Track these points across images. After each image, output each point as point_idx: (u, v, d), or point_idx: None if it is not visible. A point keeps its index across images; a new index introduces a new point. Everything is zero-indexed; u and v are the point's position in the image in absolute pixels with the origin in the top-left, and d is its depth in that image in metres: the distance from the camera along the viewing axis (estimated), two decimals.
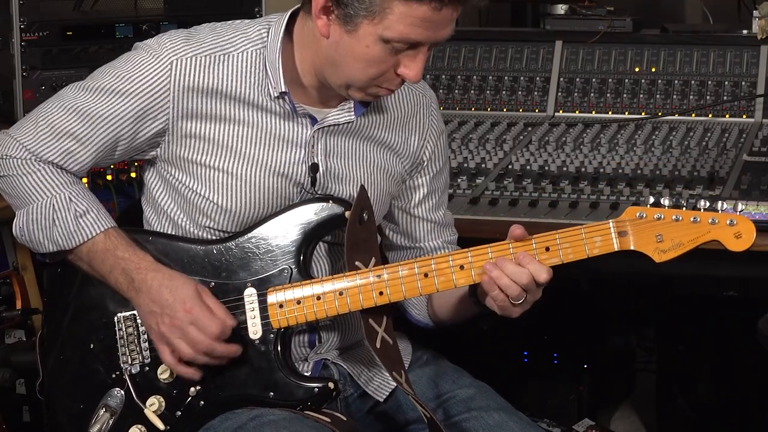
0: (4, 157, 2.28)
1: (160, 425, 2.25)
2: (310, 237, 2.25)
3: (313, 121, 2.28)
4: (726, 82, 3.41)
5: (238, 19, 2.34)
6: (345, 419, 2.26)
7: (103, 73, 2.28)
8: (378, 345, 2.23)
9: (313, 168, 2.28)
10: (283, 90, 2.24)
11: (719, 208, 2.15)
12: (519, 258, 2.17)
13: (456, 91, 3.55)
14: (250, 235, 2.26)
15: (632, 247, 2.18)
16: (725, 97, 3.39)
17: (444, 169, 2.48)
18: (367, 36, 2.11)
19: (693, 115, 3.39)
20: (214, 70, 2.24)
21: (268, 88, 2.26)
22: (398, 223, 2.46)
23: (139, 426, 2.26)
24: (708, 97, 3.40)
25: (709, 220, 2.15)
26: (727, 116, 3.37)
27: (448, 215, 2.53)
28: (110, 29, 3.17)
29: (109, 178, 3.04)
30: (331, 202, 2.26)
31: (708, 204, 2.15)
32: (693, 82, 3.43)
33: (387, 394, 2.38)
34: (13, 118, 2.92)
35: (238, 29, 2.29)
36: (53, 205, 2.26)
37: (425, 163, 2.43)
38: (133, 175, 3.07)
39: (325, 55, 2.18)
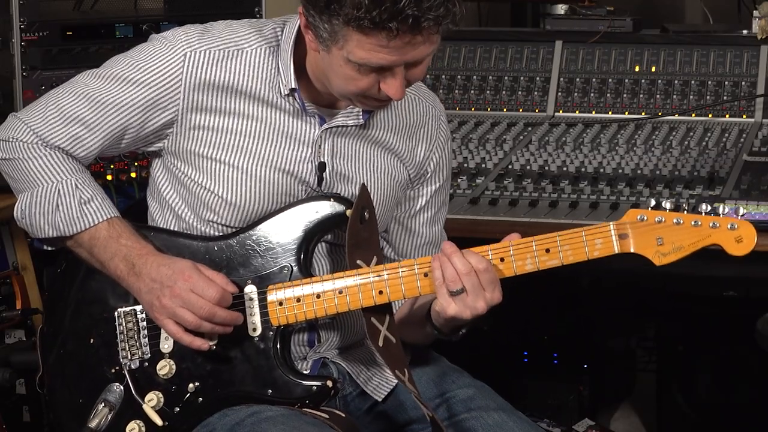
0: (11, 140, 2.28)
1: (159, 421, 2.25)
2: (311, 235, 2.25)
3: (322, 120, 2.29)
4: (726, 82, 3.41)
5: (252, 18, 2.36)
6: (343, 415, 2.26)
7: (116, 61, 2.30)
8: (380, 343, 2.24)
9: (321, 167, 2.29)
10: (293, 86, 2.25)
11: (720, 212, 2.15)
12: (466, 252, 2.17)
13: (456, 91, 3.55)
14: (251, 232, 2.26)
15: (632, 250, 2.18)
16: (725, 97, 3.39)
17: (446, 185, 2.48)
18: (338, 57, 2.12)
19: (693, 115, 3.39)
20: (227, 64, 2.25)
21: (279, 85, 2.27)
22: (389, 232, 2.46)
23: (138, 421, 2.26)
24: (708, 97, 3.41)
25: (710, 224, 2.14)
26: (727, 116, 3.37)
27: (443, 234, 2.52)
28: (110, 29, 3.17)
29: (109, 178, 3.04)
30: (332, 200, 2.26)
31: (709, 208, 2.15)
32: (693, 82, 3.43)
33: (386, 393, 2.38)
34: None
35: (253, 26, 2.30)
36: (59, 190, 2.26)
37: (429, 175, 2.43)
38: (133, 175, 3.07)
39: (320, 66, 2.21)
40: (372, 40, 2.07)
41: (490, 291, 2.17)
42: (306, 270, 2.25)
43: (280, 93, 2.27)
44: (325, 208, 2.26)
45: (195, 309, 2.17)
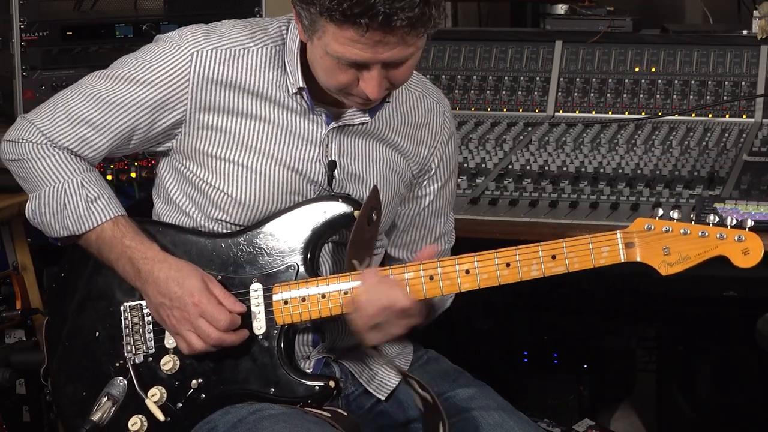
0: (20, 141, 2.30)
1: (161, 416, 2.26)
2: (319, 235, 2.26)
3: (329, 119, 2.29)
4: (726, 82, 3.41)
5: (252, 18, 2.37)
6: (346, 414, 2.27)
7: (124, 62, 2.31)
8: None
9: (331, 165, 2.29)
10: (301, 85, 2.25)
11: (728, 224, 2.15)
12: (384, 282, 2.18)
13: (456, 91, 3.55)
14: (258, 230, 2.27)
15: (639, 259, 2.17)
16: (725, 97, 3.39)
17: (452, 178, 2.48)
18: (319, 48, 2.14)
19: (693, 115, 3.39)
20: (234, 63, 2.26)
21: (287, 84, 2.27)
22: (404, 230, 2.46)
23: (140, 416, 2.27)
24: (708, 97, 3.41)
25: (717, 235, 2.14)
26: (727, 116, 3.37)
27: (448, 224, 2.52)
28: (110, 29, 3.18)
29: (109, 178, 3.04)
30: (340, 200, 2.26)
31: (717, 219, 2.15)
32: (693, 82, 3.43)
33: (388, 392, 2.39)
34: (13, 119, 2.92)
35: (258, 25, 2.31)
36: (65, 189, 2.27)
37: (432, 171, 2.43)
38: (133, 175, 3.07)
39: (309, 58, 2.22)
40: (345, 34, 2.07)
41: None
42: (312, 270, 2.25)
43: (288, 92, 2.27)
44: (333, 208, 2.26)
45: (204, 336, 2.19)
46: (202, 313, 2.18)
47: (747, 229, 2.14)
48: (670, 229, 2.17)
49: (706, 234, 2.15)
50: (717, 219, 2.15)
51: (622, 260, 2.18)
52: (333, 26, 2.08)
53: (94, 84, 2.29)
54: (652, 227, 2.17)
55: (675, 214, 2.17)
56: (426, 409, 2.24)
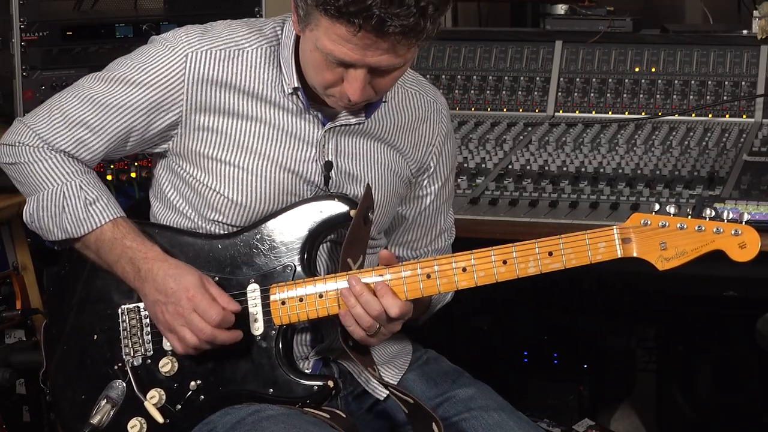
0: (17, 144, 2.30)
1: (160, 418, 2.26)
2: (315, 234, 2.26)
3: (325, 120, 2.29)
4: (726, 82, 3.41)
5: (252, 18, 2.37)
6: (344, 416, 2.27)
7: (119, 64, 2.31)
8: (351, 342, 2.25)
9: (327, 166, 2.29)
10: (296, 85, 2.25)
11: (725, 218, 2.14)
12: (376, 288, 2.18)
13: (456, 91, 3.55)
14: (255, 230, 2.26)
15: (635, 255, 2.17)
16: (725, 97, 3.39)
17: (451, 177, 2.49)
18: (310, 40, 2.14)
19: (693, 115, 3.39)
20: (229, 64, 2.26)
21: (282, 85, 2.27)
22: (404, 230, 2.47)
23: (140, 418, 2.27)
24: (708, 97, 3.41)
25: (714, 230, 2.14)
26: (727, 116, 3.37)
27: (448, 221, 2.53)
28: (110, 29, 3.18)
29: (109, 178, 3.04)
30: (336, 200, 2.26)
31: (713, 213, 2.15)
32: (693, 82, 3.43)
33: (386, 392, 2.39)
34: (13, 119, 2.92)
35: (253, 26, 2.31)
36: (63, 192, 2.27)
37: (431, 170, 2.43)
38: (133, 175, 3.07)
39: (301, 52, 2.22)
40: (337, 30, 2.07)
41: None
42: (309, 269, 2.25)
43: (283, 92, 2.27)
44: (329, 208, 2.26)
45: (196, 331, 2.19)
46: (195, 307, 2.18)
47: (744, 223, 2.14)
48: (667, 224, 2.16)
49: (703, 228, 2.14)
50: (713, 213, 2.15)
51: (619, 256, 2.17)
52: (326, 20, 2.08)
53: (89, 86, 2.29)
54: (649, 222, 2.17)
55: (671, 209, 2.16)
56: (410, 411, 2.25)
